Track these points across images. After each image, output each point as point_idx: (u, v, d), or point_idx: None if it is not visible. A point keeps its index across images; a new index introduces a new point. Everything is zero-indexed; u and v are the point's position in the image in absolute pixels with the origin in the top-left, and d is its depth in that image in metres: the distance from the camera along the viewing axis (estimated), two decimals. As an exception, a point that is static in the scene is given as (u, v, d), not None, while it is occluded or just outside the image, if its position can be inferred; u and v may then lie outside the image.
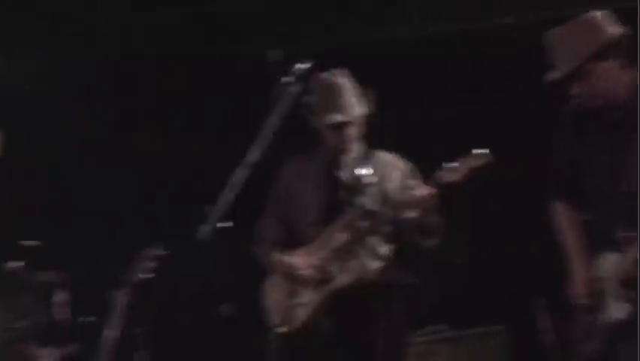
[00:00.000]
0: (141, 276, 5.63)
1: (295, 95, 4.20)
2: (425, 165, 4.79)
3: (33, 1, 6.51)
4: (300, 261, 4.81)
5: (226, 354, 6.39)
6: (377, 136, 4.88)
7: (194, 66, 6.67)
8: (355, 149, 4.91)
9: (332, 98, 4.80)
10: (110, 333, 5.57)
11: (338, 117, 4.79)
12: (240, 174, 3.99)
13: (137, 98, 6.76)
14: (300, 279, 4.81)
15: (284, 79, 4.14)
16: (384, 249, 4.84)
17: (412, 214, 4.74)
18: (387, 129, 5.04)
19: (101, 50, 6.72)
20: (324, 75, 4.83)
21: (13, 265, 5.29)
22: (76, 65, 6.69)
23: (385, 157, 4.96)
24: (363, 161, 4.90)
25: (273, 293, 4.92)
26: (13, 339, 5.42)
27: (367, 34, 6.70)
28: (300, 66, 4.23)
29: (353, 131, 4.85)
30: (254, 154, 4.02)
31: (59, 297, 5.77)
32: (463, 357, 6.23)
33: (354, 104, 4.82)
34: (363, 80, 4.87)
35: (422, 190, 4.65)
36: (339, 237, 4.78)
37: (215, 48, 6.61)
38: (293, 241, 4.94)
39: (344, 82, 4.84)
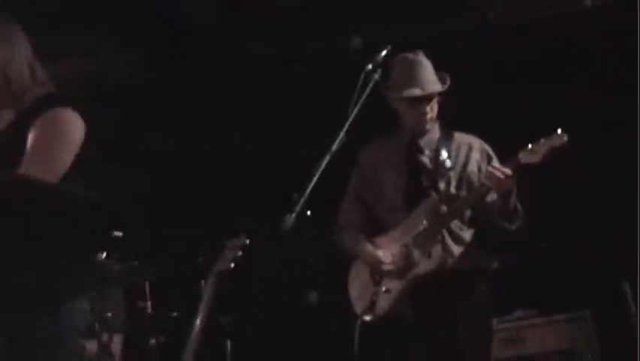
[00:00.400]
0: (227, 266, 5.67)
1: (376, 82, 4.20)
2: (502, 148, 4.76)
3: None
4: (385, 253, 4.80)
5: (311, 343, 6.41)
6: (455, 120, 4.86)
7: (276, 58, 6.70)
8: (434, 130, 4.90)
9: (410, 74, 4.80)
10: (197, 323, 5.62)
11: (416, 91, 4.79)
12: (323, 163, 3.99)
13: (221, 92, 6.81)
14: (385, 268, 4.80)
15: (365, 67, 4.14)
16: (467, 233, 4.81)
17: (492, 197, 4.71)
18: (464, 114, 5.00)
19: (184, 49, 6.77)
20: (404, 54, 4.84)
21: (100, 257, 5.37)
22: (160, 64, 6.76)
23: (464, 138, 4.93)
24: (443, 143, 4.88)
25: (357, 281, 4.92)
26: (101, 331, 5.51)
27: (444, 23, 6.67)
28: (381, 53, 4.23)
29: (431, 111, 4.84)
30: (337, 143, 4.02)
31: (146, 289, 5.85)
32: (550, 343, 6.17)
33: (433, 80, 4.82)
34: (440, 68, 4.86)
35: (502, 172, 4.61)
36: (421, 223, 4.77)
37: (296, 40, 6.63)
38: (374, 227, 4.94)
39: (422, 59, 4.85)
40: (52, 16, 5.87)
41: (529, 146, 4.58)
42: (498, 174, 4.60)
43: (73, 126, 3.32)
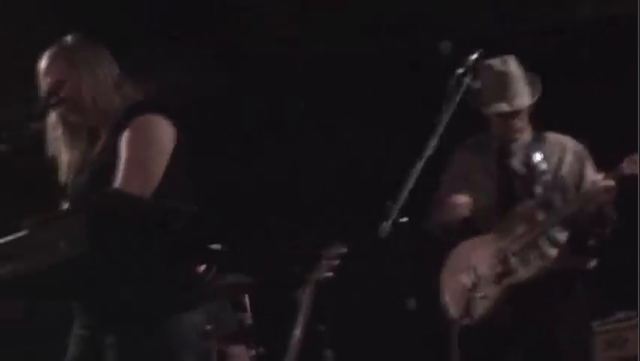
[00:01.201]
0: (324, 275, 5.70)
1: (467, 85, 4.18)
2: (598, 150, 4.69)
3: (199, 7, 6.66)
4: (481, 256, 4.78)
5: (410, 349, 6.40)
6: (548, 120, 4.80)
7: (366, 61, 6.70)
8: (525, 132, 4.85)
9: (499, 87, 4.74)
10: (296, 333, 5.65)
11: (505, 107, 4.73)
12: (417, 168, 3.99)
13: (309, 96, 6.84)
14: (480, 273, 4.78)
15: (456, 70, 4.13)
16: (562, 235, 4.75)
17: (590, 208, 4.64)
18: (558, 114, 4.94)
19: (266, 52, 6.83)
20: (492, 62, 4.77)
21: (201, 269, 5.43)
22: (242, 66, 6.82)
23: (557, 139, 4.87)
24: (535, 146, 4.82)
25: (451, 285, 4.90)
26: (204, 342, 5.56)
27: (536, 21, 6.60)
28: (471, 56, 4.21)
29: (520, 122, 4.78)
30: (430, 147, 4.02)
31: (245, 300, 5.90)
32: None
33: (522, 94, 4.75)
34: (531, 68, 4.80)
35: (602, 184, 4.54)
36: (517, 228, 4.73)
37: (385, 42, 6.63)
38: (467, 229, 4.91)
39: (512, 69, 4.78)
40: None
41: (633, 156, 4.48)
42: (598, 185, 4.52)
43: (163, 130, 3.32)
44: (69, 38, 3.51)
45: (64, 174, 3.49)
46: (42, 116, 3.40)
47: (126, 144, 3.27)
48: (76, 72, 3.41)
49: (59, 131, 3.45)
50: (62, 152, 3.48)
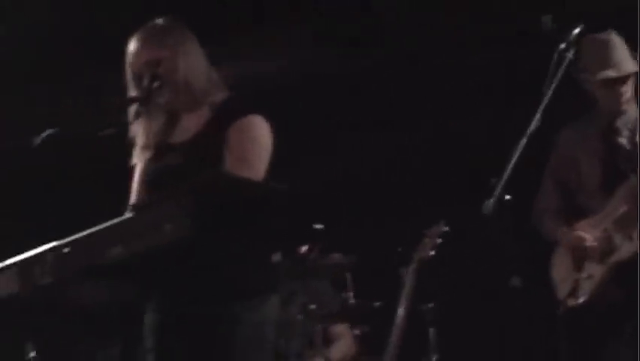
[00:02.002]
0: (427, 254, 5.69)
1: (570, 61, 4.12)
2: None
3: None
4: (586, 233, 4.72)
5: (514, 329, 6.34)
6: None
7: (469, 40, 6.63)
8: (631, 109, 4.77)
9: (604, 55, 4.68)
10: (400, 311, 5.65)
11: (611, 73, 4.67)
12: (521, 145, 3.95)
13: (411, 80, 6.80)
14: (586, 252, 4.72)
15: (559, 46, 4.07)
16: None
17: None
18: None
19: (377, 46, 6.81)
20: (594, 34, 4.72)
21: (304, 249, 5.47)
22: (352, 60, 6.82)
23: None
24: None
25: (559, 266, 4.86)
26: (308, 322, 5.60)
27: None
28: (573, 32, 4.15)
29: (627, 89, 4.71)
30: (533, 124, 3.97)
31: (349, 279, 5.91)
32: None
33: (627, 60, 4.68)
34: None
35: None
36: (622, 206, 4.65)
37: (486, 18, 6.55)
38: (574, 211, 4.85)
39: (615, 38, 4.72)
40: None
41: None
42: None
43: (266, 133, 3.40)
44: (160, 20, 3.53)
45: (136, 155, 3.54)
46: (146, 99, 3.44)
47: (237, 142, 3.33)
48: (171, 53, 3.43)
49: (139, 112, 3.48)
50: (139, 132, 3.51)
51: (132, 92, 3.47)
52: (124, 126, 3.39)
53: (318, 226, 5.29)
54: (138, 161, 3.54)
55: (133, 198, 3.54)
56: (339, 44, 6.78)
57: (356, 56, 6.77)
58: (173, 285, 3.23)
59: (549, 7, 5.02)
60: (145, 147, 3.51)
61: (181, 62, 3.44)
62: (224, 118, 3.39)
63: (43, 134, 3.20)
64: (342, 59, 6.85)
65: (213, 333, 3.26)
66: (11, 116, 6.71)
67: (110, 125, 3.31)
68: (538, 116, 3.96)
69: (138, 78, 3.45)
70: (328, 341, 5.98)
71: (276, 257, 3.41)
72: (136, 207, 2.76)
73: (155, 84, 3.40)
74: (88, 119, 3.51)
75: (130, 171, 3.59)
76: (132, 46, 3.47)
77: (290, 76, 6.84)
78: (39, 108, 6.56)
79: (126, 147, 3.53)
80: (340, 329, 6.03)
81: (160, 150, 3.49)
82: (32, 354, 5.64)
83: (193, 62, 3.47)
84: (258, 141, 3.37)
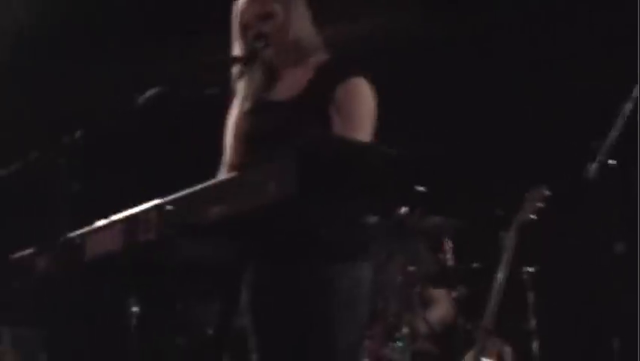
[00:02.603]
0: (528, 217, 5.63)
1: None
2: None
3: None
4: None
5: (617, 295, 6.25)
6: None
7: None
8: None
9: None
10: (500, 275, 5.61)
11: None
12: (626, 110, 3.86)
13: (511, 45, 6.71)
14: None
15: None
16: None
17: None
18: None
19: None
20: None
21: (404, 211, 5.45)
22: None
23: None
24: None
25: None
26: (407, 283, 5.60)
27: None
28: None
29: None
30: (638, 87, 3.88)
31: (448, 241, 5.89)
32: None
33: None
34: None
35: None
36: None
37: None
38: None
39: None
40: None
41: None
42: None
43: (370, 96, 3.41)
44: None
45: (235, 107, 3.56)
46: (250, 59, 3.45)
47: (342, 105, 3.34)
48: (282, 8, 3.44)
49: (243, 70, 3.49)
50: (240, 84, 3.53)
51: (237, 46, 3.49)
52: (227, 85, 3.40)
53: (420, 188, 5.27)
54: (237, 112, 3.56)
55: (226, 151, 3.57)
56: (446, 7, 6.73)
57: (463, 19, 6.71)
58: (270, 246, 3.25)
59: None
60: (243, 101, 3.52)
61: (295, 17, 3.45)
62: (330, 78, 3.38)
63: (147, 94, 3.23)
64: (448, 23, 6.79)
65: (307, 294, 3.27)
66: (116, 75, 6.81)
67: (214, 83, 3.33)
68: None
69: (245, 30, 3.47)
70: (426, 303, 5.98)
71: (373, 219, 3.40)
72: (241, 166, 2.77)
73: (260, 44, 3.41)
74: (192, 78, 3.51)
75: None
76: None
77: (393, 38, 6.81)
78: (143, 67, 6.64)
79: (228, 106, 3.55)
80: (439, 291, 6.02)
81: (259, 105, 3.50)
82: (135, 309, 5.76)
83: (302, 20, 3.47)
84: (365, 102, 3.37)
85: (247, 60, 3.43)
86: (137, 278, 3.45)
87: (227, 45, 3.54)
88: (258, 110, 3.49)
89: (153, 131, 6.06)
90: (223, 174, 3.42)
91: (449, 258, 5.87)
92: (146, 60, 6.82)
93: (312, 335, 3.25)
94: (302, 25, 3.47)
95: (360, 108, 3.36)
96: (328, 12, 3.62)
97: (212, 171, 3.44)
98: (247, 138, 3.48)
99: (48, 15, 6.62)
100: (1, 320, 6.88)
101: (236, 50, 3.48)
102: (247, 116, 3.52)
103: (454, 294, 5.93)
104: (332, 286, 3.25)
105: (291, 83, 3.47)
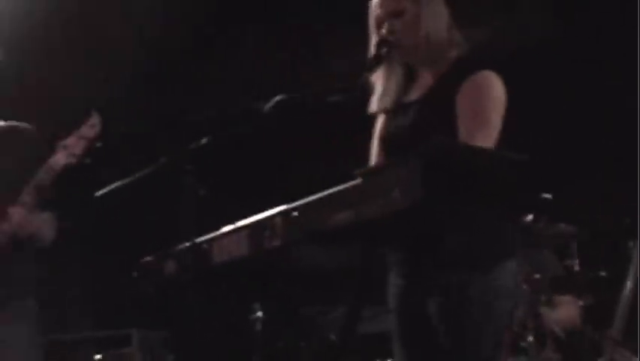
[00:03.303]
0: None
1: None
2: None
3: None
4: None
5: None
6: None
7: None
8: None
9: None
10: (628, 285, 5.50)
11: None
12: None
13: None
14: None
15: None
16: None
17: None
18: None
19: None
20: None
21: (530, 218, 5.38)
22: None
23: None
24: None
25: None
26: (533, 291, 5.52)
27: None
28: None
29: None
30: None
31: (574, 248, 5.79)
32: None
33: None
34: None
35: None
36: None
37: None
38: None
39: None
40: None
41: None
42: None
43: (499, 90, 3.35)
44: None
45: (374, 104, 3.55)
46: (374, 66, 3.45)
47: (470, 99, 3.30)
48: (414, 5, 3.43)
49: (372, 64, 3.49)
50: (377, 82, 3.53)
51: (372, 45, 3.50)
52: (353, 91, 3.41)
53: (546, 195, 5.19)
54: (377, 111, 3.57)
55: (372, 155, 3.59)
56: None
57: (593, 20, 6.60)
58: (408, 251, 3.25)
59: None
60: (382, 98, 3.53)
61: (425, 14, 3.43)
62: (457, 75, 3.36)
63: (274, 100, 3.26)
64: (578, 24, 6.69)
65: (450, 300, 3.26)
66: (242, 81, 6.89)
67: (340, 90, 3.33)
68: None
69: (378, 27, 3.47)
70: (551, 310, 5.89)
71: (499, 226, 3.36)
72: (366, 172, 2.76)
73: (383, 50, 3.41)
74: (318, 84, 3.53)
75: (360, 133, 3.62)
76: None
77: (524, 38, 6.74)
78: (269, 74, 6.70)
79: (355, 111, 3.56)
80: (565, 298, 5.92)
81: (396, 106, 3.51)
82: (259, 314, 5.82)
83: (435, 17, 3.45)
84: (491, 97, 3.32)
85: (376, 60, 3.43)
86: (261, 284, 3.48)
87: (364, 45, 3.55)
88: (396, 111, 3.50)
89: (280, 138, 6.11)
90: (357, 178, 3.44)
91: (575, 265, 5.77)
92: (274, 66, 6.88)
93: (450, 343, 3.24)
94: (434, 23, 3.44)
95: (487, 102, 3.31)
96: (459, 12, 3.58)
97: (340, 176, 3.45)
98: (385, 140, 3.50)
99: (177, 20, 6.73)
100: (130, 323, 7.02)
101: (372, 48, 3.49)
102: (386, 117, 3.54)
103: (580, 302, 5.82)
104: (469, 293, 3.23)
105: (423, 82, 3.48)
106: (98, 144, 4.39)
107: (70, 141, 4.38)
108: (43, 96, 6.82)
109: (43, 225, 4.43)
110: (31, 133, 4.56)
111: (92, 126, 4.41)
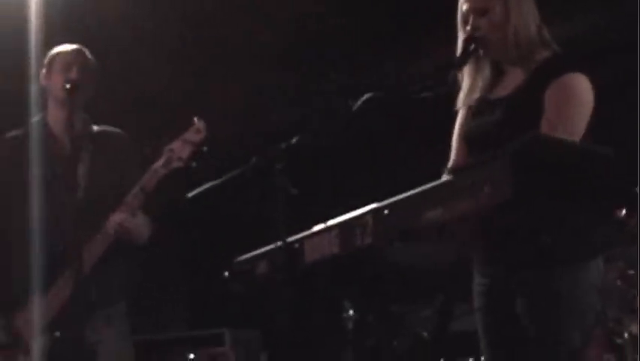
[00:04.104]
0: None
1: None
2: None
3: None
4: None
5: None
6: None
7: None
8: None
9: None
10: None
11: None
12: None
13: None
14: None
15: None
16: None
17: None
18: None
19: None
20: None
21: (623, 213, 5.30)
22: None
23: None
24: None
25: None
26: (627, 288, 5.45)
27: None
28: None
29: None
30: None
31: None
32: None
33: None
34: None
35: None
36: None
37: None
38: None
39: None
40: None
41: None
42: None
43: (587, 91, 3.32)
44: None
45: (461, 99, 3.55)
46: (462, 62, 3.45)
47: (555, 100, 3.28)
48: (504, 3, 3.41)
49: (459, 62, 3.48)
50: (465, 78, 3.53)
51: (459, 40, 3.50)
52: (443, 89, 3.40)
53: (638, 189, 5.11)
54: (461, 108, 3.57)
55: (452, 152, 3.59)
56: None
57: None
58: (494, 248, 3.24)
59: None
60: (470, 93, 3.52)
61: (513, 9, 3.41)
62: (545, 75, 3.33)
63: (362, 98, 3.27)
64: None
65: (537, 296, 3.25)
66: (332, 80, 6.91)
67: (429, 86, 3.33)
68: None
69: (464, 23, 3.47)
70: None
71: (592, 222, 3.32)
72: (455, 170, 2.76)
73: (471, 47, 3.40)
74: (408, 81, 3.52)
75: (449, 129, 3.61)
76: None
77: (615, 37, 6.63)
78: (360, 72, 6.71)
79: (446, 108, 3.55)
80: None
81: (481, 104, 3.50)
82: (350, 312, 5.83)
83: (523, 15, 3.43)
84: (578, 98, 3.30)
85: (464, 56, 3.42)
86: (352, 282, 3.50)
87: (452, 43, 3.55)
88: (480, 109, 3.49)
89: (369, 136, 6.12)
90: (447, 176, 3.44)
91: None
92: (360, 66, 6.89)
93: (537, 339, 3.22)
94: (522, 22, 3.42)
95: (573, 103, 3.29)
96: (547, 10, 3.55)
97: (429, 174, 3.45)
98: (469, 138, 3.49)
99: (264, 27, 6.77)
100: (224, 322, 7.10)
101: (459, 44, 3.49)
102: (471, 115, 3.53)
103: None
104: (556, 290, 3.21)
105: (511, 80, 3.46)
106: (204, 149, 4.45)
107: (176, 145, 4.45)
108: (140, 99, 6.92)
109: (142, 227, 4.51)
110: (123, 138, 4.64)
111: (197, 131, 4.47)
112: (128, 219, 4.35)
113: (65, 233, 4.31)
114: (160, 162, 4.44)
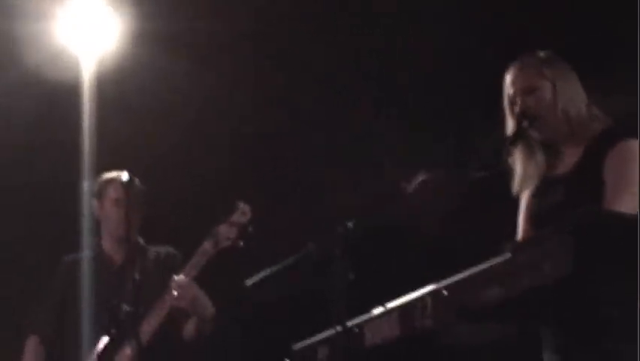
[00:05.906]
0: None
1: None
2: None
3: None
4: None
5: None
6: None
7: None
8: None
9: None
10: None
11: None
12: None
13: None
14: None
15: None
16: None
17: None
18: None
19: None
20: None
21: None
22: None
23: None
24: None
25: None
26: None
27: None
28: None
29: None
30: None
31: None
32: None
33: None
34: None
35: None
36: None
37: None
38: None
39: None
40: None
41: None
42: None
43: None
44: (539, 52, 3.56)
45: (516, 185, 3.55)
46: (517, 139, 3.45)
47: (613, 169, 3.29)
48: (549, 81, 3.45)
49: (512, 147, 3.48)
50: (517, 164, 3.53)
51: (508, 122, 3.51)
52: (496, 168, 3.40)
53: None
54: (520, 192, 3.57)
55: (519, 233, 3.57)
56: None
57: None
58: (563, 325, 3.20)
59: None
60: (524, 179, 3.52)
61: (559, 92, 3.44)
62: (602, 147, 3.35)
63: (417, 180, 3.27)
64: None
65: None
66: (387, 160, 6.89)
67: (483, 167, 3.33)
68: None
69: (512, 105, 3.49)
70: None
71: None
72: (515, 247, 2.74)
73: (524, 123, 3.41)
74: (462, 161, 3.53)
75: (507, 208, 3.60)
76: (509, 74, 3.53)
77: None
78: (412, 153, 6.69)
79: (500, 187, 3.54)
80: None
81: (543, 184, 3.50)
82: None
83: (571, 94, 3.45)
84: (636, 161, 3.30)
85: (514, 139, 3.43)
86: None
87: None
88: (542, 190, 3.49)
89: (424, 216, 6.08)
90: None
91: None
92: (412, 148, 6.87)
93: None
94: (571, 98, 3.45)
95: (633, 167, 3.29)
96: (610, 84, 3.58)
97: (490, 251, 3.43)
98: (534, 219, 3.49)
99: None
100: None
101: (508, 127, 3.50)
102: (533, 196, 3.53)
103: None
104: None
105: (569, 157, 3.46)
106: (250, 229, 4.51)
107: (223, 227, 4.54)
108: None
109: (205, 299, 4.57)
110: (176, 257, 4.86)
111: (243, 213, 4.58)
112: (190, 283, 4.45)
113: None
114: (209, 242, 4.53)
